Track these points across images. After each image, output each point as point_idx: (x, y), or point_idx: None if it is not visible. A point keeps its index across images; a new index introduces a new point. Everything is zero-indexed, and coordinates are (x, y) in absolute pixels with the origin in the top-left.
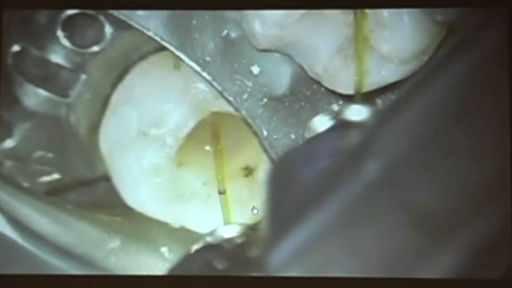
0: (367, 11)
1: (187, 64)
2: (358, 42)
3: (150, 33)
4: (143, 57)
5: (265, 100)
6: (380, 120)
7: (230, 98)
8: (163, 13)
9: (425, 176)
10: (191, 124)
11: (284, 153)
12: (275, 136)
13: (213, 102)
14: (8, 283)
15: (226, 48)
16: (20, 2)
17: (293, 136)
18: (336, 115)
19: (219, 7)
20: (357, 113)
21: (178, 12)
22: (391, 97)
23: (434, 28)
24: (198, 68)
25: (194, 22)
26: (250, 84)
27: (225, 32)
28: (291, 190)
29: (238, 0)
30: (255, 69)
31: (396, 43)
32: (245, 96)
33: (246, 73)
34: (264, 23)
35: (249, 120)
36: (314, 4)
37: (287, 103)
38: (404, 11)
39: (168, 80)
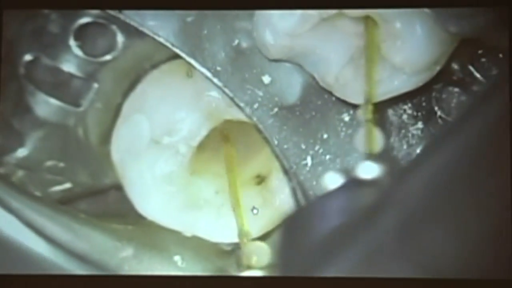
0: (379, 21)
1: (199, 71)
2: (369, 52)
3: (161, 39)
4: (155, 65)
5: (275, 109)
6: (396, 179)
7: (242, 104)
8: (174, 23)
9: (437, 229)
10: (204, 132)
11: (298, 208)
12: (285, 146)
13: (226, 109)
14: (8, 283)
15: (237, 57)
16: (20, 2)
17: (303, 146)
18: (347, 172)
19: (228, 7)
20: (368, 170)
21: (189, 21)
22: (403, 107)
23: (446, 39)
24: (209, 74)
25: (205, 31)
26: (261, 93)
27: (236, 41)
28: (305, 244)
29: (248, 1)
30: (266, 79)
31: (409, 53)
32: (255, 106)
33: (257, 82)
34: (275, 33)
35: (260, 127)
36: (326, 4)
37: (297, 113)
38: (416, 23)
39: (180, 88)
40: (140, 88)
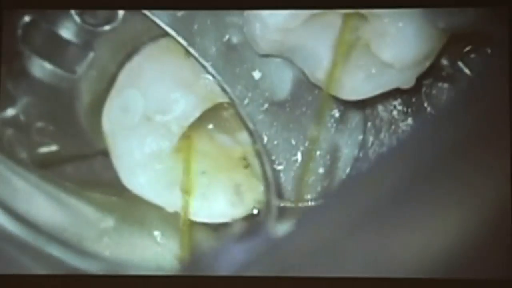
0: (369, 17)
1: (193, 56)
2: (341, 47)
3: (162, 23)
4: (153, 39)
5: (266, 105)
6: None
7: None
8: (164, 17)
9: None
10: (197, 114)
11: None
12: (275, 142)
13: (220, 93)
14: (8, 283)
15: (227, 52)
16: (20, 2)
17: (293, 142)
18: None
19: (221, 8)
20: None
21: (179, 16)
22: (393, 103)
23: (435, 35)
24: (202, 60)
25: (196, 27)
26: (251, 89)
27: (226, 37)
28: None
29: (241, 1)
30: (257, 74)
31: (398, 49)
32: (246, 101)
33: (247, 78)
34: (265, 28)
35: (240, 111)
36: (314, 4)
37: (288, 109)
38: (405, 18)
39: (177, 67)
40: (136, 61)
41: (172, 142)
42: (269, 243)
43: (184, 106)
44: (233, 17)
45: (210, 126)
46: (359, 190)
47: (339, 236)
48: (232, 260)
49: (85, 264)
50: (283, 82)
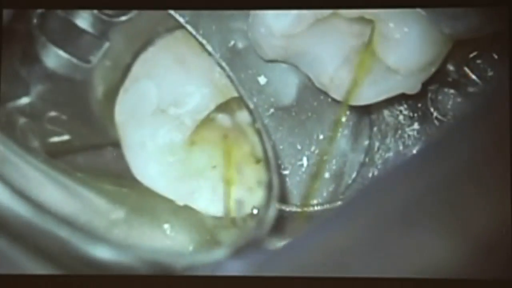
0: (374, 20)
1: (206, 50)
2: (365, 56)
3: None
4: (169, 30)
5: (271, 110)
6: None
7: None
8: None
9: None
10: (211, 107)
11: None
12: (281, 147)
13: (232, 88)
14: (8, 283)
15: (232, 58)
16: (20, 2)
17: (299, 147)
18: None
19: (224, 7)
20: None
21: (185, 21)
22: (399, 108)
23: (441, 40)
24: (216, 55)
25: (201, 32)
26: (256, 94)
27: (231, 42)
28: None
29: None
30: (262, 80)
31: (403, 54)
32: (251, 106)
33: (252, 83)
34: (270, 34)
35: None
36: (322, 4)
37: (293, 113)
38: (411, 24)
39: (193, 59)
40: (151, 51)
41: (184, 135)
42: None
43: (198, 100)
44: (238, 22)
45: (222, 120)
46: (367, 197)
47: (347, 241)
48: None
49: (96, 250)
50: (288, 88)
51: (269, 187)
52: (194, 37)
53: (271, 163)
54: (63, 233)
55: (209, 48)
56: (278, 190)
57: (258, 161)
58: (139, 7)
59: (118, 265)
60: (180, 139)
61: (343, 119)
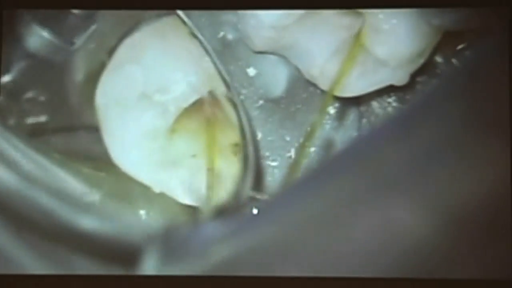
0: (363, 13)
1: (197, 38)
2: (354, 48)
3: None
4: (158, 16)
5: (261, 102)
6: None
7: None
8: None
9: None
10: (196, 96)
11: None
12: (269, 138)
13: (218, 79)
14: (8, 283)
15: (222, 50)
16: (20, 2)
17: (288, 138)
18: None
19: (217, 8)
20: None
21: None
22: (387, 99)
23: (429, 32)
24: (206, 42)
25: (191, 24)
26: (246, 86)
27: (221, 34)
28: None
29: (237, 1)
30: (251, 71)
31: (391, 46)
32: (241, 98)
33: (242, 75)
34: (260, 25)
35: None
36: (312, 4)
37: (283, 105)
38: (400, 16)
39: (181, 47)
40: (138, 36)
41: (167, 123)
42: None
43: (184, 87)
44: (227, 14)
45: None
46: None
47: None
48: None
49: (78, 220)
50: (278, 79)
51: (243, 175)
52: (186, 24)
53: (249, 155)
54: (48, 202)
55: (199, 36)
56: (252, 179)
57: (236, 150)
58: (140, 7)
59: (100, 235)
60: (162, 126)
61: (329, 108)
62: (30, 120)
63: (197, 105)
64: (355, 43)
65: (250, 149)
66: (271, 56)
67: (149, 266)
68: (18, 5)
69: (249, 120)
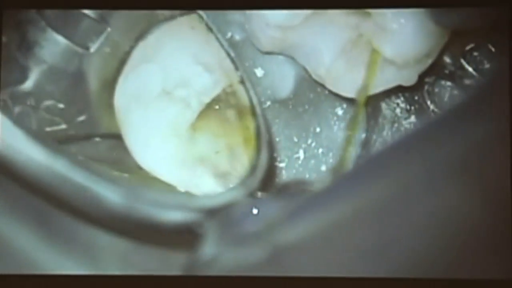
0: (371, 12)
1: (212, 32)
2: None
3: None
4: (171, 17)
5: (268, 103)
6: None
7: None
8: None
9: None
10: (218, 90)
11: None
12: (277, 139)
13: (234, 72)
14: (8, 283)
15: (230, 50)
16: (20, 2)
17: (295, 139)
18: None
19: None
20: None
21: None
22: (396, 100)
23: (437, 32)
24: (221, 37)
25: None
26: (253, 86)
27: (229, 34)
28: None
29: (244, 1)
30: (259, 72)
31: (399, 46)
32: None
33: (250, 75)
34: (267, 26)
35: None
36: (319, 4)
37: (290, 106)
38: (407, 15)
39: (199, 42)
40: (152, 38)
41: (190, 118)
42: None
43: (205, 81)
44: (235, 14)
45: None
46: (357, 184)
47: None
48: None
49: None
50: (285, 80)
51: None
52: (202, 20)
53: (262, 150)
54: (77, 177)
55: (215, 30)
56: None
57: (249, 144)
58: (142, 7)
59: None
60: (185, 123)
61: (360, 117)
62: (50, 129)
63: (215, 102)
64: (371, 49)
65: (264, 148)
66: (279, 57)
67: (209, 249)
68: (18, 5)
69: (264, 115)
